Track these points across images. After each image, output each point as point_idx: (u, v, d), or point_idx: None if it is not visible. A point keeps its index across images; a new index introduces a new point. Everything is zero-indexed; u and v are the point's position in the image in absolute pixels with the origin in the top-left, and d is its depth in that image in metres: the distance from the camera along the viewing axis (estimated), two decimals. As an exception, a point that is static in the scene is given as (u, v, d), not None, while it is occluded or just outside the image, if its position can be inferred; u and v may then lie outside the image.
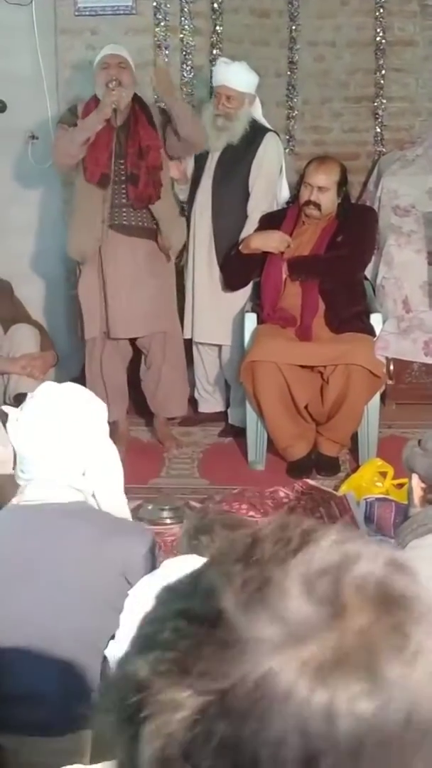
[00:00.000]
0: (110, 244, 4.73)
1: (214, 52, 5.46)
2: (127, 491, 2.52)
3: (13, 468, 2.41)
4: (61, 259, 5.25)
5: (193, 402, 5.30)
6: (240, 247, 4.89)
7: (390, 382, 5.05)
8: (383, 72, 5.83)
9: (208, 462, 4.88)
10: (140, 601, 1.78)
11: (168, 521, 3.99)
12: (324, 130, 5.95)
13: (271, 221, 4.92)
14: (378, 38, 5.79)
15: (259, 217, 4.95)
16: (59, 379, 4.90)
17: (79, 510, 2.26)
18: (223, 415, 5.25)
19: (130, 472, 2.46)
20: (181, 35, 5.38)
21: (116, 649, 1.77)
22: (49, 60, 5.32)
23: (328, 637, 0.60)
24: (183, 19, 5.36)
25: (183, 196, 5.08)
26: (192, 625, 0.63)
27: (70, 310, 5.38)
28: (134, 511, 3.40)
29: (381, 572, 0.64)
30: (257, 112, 5.03)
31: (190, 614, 0.63)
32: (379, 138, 5.90)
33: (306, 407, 4.64)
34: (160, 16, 5.33)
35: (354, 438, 4.76)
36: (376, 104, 5.87)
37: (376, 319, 4.81)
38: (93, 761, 0.99)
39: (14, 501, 2.35)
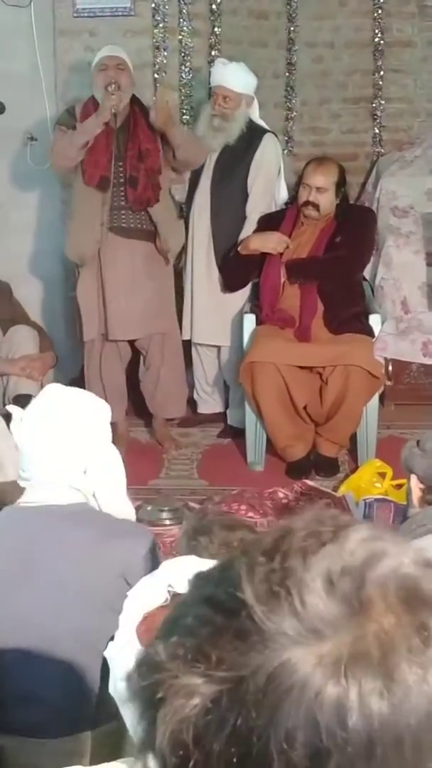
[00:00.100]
0: (109, 246, 4.74)
1: (213, 53, 5.46)
2: (126, 492, 2.53)
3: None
4: (59, 261, 5.25)
5: (192, 403, 5.30)
6: (239, 248, 4.89)
7: (389, 382, 5.05)
8: (382, 73, 5.84)
9: (207, 463, 4.88)
10: (139, 602, 1.78)
11: (167, 522, 4.00)
12: (322, 131, 5.95)
13: (269, 222, 4.92)
14: (376, 39, 5.79)
15: (258, 218, 4.96)
16: (58, 380, 4.92)
17: (79, 511, 2.26)
18: (222, 416, 5.26)
19: (129, 473, 2.45)
20: (180, 36, 5.38)
21: (115, 651, 1.77)
22: (47, 61, 5.32)
23: (347, 634, 0.60)
24: (181, 20, 5.37)
25: (179, 197, 5.08)
26: (214, 612, 0.63)
27: (68, 311, 5.39)
28: (133, 512, 3.40)
29: (407, 572, 0.63)
30: (255, 114, 5.03)
31: (214, 602, 0.64)
32: (377, 139, 5.90)
33: (305, 408, 4.64)
34: (158, 18, 5.34)
35: (353, 439, 4.76)
36: (374, 105, 5.88)
37: (374, 320, 4.81)
38: (92, 762, 0.99)
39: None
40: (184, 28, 5.38)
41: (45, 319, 5.43)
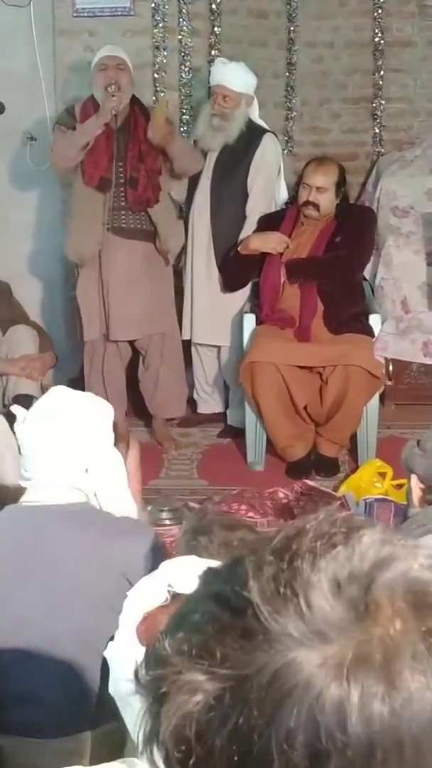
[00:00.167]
0: (109, 246, 4.74)
1: (213, 53, 5.46)
2: (128, 490, 2.52)
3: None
4: (59, 261, 5.25)
5: (192, 403, 5.30)
6: (239, 248, 4.89)
7: (389, 382, 5.05)
8: (382, 73, 5.83)
9: (207, 463, 4.88)
10: (139, 602, 1.77)
11: (167, 522, 3.99)
12: (322, 131, 5.95)
13: (269, 222, 4.92)
14: (376, 39, 5.79)
15: (258, 218, 4.95)
16: (58, 380, 4.93)
17: (79, 511, 2.26)
18: (222, 416, 5.25)
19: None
20: (180, 36, 5.38)
21: (115, 651, 1.77)
22: (47, 61, 5.31)
23: (352, 638, 0.60)
24: (181, 20, 5.36)
25: (178, 197, 5.07)
26: (221, 610, 0.63)
27: (68, 311, 5.39)
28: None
29: (416, 576, 0.63)
30: (255, 113, 5.03)
31: (221, 599, 0.64)
32: (377, 139, 5.90)
33: (305, 408, 4.64)
34: (158, 17, 5.33)
35: (353, 439, 4.76)
36: (374, 105, 5.87)
37: (375, 320, 4.81)
38: (92, 762, 0.99)
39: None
40: (184, 27, 5.38)
41: (45, 319, 5.42)
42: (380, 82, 5.84)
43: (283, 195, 5.16)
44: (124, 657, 1.68)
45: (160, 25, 5.35)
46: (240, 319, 4.91)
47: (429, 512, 2.25)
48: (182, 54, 5.41)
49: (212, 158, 4.98)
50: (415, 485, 2.33)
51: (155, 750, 0.64)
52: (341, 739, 0.58)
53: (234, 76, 4.84)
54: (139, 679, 0.66)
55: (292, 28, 5.77)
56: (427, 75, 5.89)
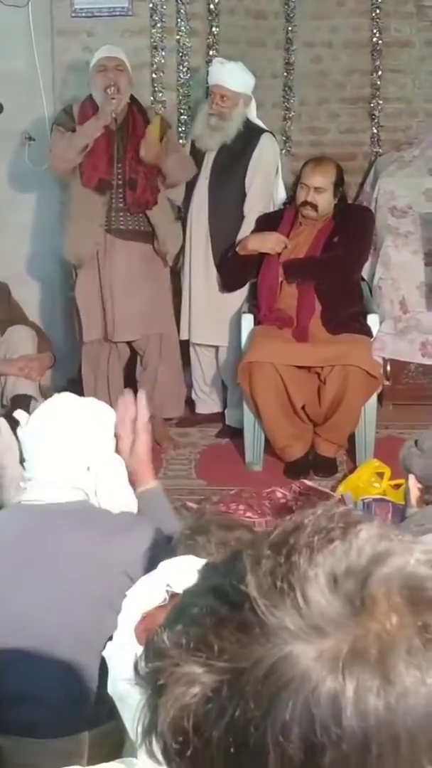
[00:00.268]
0: (107, 247, 4.74)
1: (211, 53, 5.46)
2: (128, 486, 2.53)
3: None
4: (58, 261, 5.25)
5: (190, 403, 5.30)
6: (237, 249, 4.89)
7: (387, 382, 5.05)
8: (380, 73, 5.84)
9: (205, 463, 4.88)
10: (138, 602, 1.78)
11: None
12: (320, 131, 5.95)
13: (268, 222, 4.92)
14: (374, 39, 5.80)
15: (256, 218, 4.96)
16: (56, 381, 4.94)
17: (78, 509, 2.27)
18: (220, 416, 5.26)
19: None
20: (178, 36, 5.38)
21: (114, 651, 1.77)
22: (45, 61, 5.31)
23: (348, 632, 0.60)
24: (179, 20, 5.36)
25: (176, 197, 5.06)
26: (219, 603, 0.64)
27: (66, 311, 5.39)
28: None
29: (413, 571, 0.63)
30: (252, 113, 5.03)
31: (219, 592, 0.65)
32: (375, 139, 5.91)
33: (303, 408, 4.64)
34: (156, 18, 5.33)
35: (351, 439, 4.76)
36: (372, 105, 5.88)
37: (373, 320, 4.82)
38: (90, 762, 0.99)
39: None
40: (182, 28, 5.37)
41: (43, 319, 5.42)
42: (378, 83, 5.85)
43: (281, 195, 5.16)
44: (123, 657, 1.68)
45: (158, 25, 5.34)
46: (238, 319, 4.91)
47: (427, 512, 2.25)
48: (180, 54, 5.41)
49: (210, 158, 4.99)
50: (413, 485, 2.33)
51: (153, 742, 0.64)
52: (336, 732, 0.58)
53: (232, 76, 4.84)
54: (138, 672, 0.66)
55: (290, 28, 5.77)
56: (425, 75, 5.89)
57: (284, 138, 5.81)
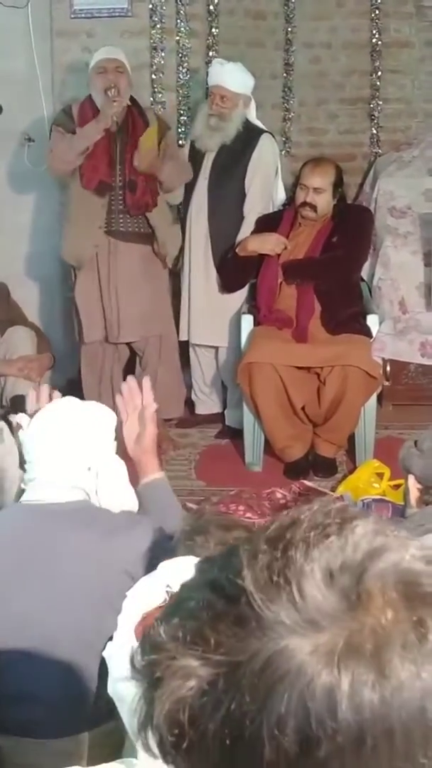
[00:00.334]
0: (106, 249, 4.75)
1: (210, 54, 5.46)
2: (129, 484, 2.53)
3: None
4: (57, 262, 5.25)
5: (190, 404, 5.30)
6: (237, 250, 4.89)
7: (386, 383, 5.05)
8: (379, 73, 5.84)
9: (204, 463, 4.88)
10: (137, 602, 1.78)
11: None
12: (320, 131, 5.95)
13: (267, 223, 4.92)
14: (374, 40, 5.80)
15: (256, 219, 4.96)
16: (56, 382, 4.93)
17: (79, 509, 2.27)
18: (220, 417, 5.26)
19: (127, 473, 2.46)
20: (177, 37, 5.38)
21: (114, 651, 1.77)
22: (44, 62, 5.32)
23: (344, 626, 0.61)
24: (179, 21, 5.36)
25: (174, 199, 5.06)
26: (215, 597, 0.64)
27: (66, 312, 5.39)
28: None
29: (408, 567, 0.64)
30: (252, 114, 5.03)
31: (216, 586, 0.65)
32: (375, 139, 5.91)
33: (303, 408, 4.64)
34: (156, 18, 5.33)
35: (351, 439, 4.76)
36: (372, 106, 5.88)
37: (372, 321, 4.82)
38: (90, 763, 0.99)
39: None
40: (182, 28, 5.38)
41: (42, 320, 5.43)
42: (378, 83, 5.85)
43: (280, 195, 5.16)
44: (123, 657, 1.68)
45: (158, 26, 5.35)
46: (238, 320, 4.91)
47: (426, 512, 2.25)
48: (180, 55, 5.41)
49: (210, 159, 4.99)
50: (413, 485, 2.33)
51: (149, 735, 0.65)
52: (331, 725, 0.59)
53: (232, 77, 4.85)
54: (134, 665, 0.67)
55: (289, 29, 5.77)
56: (424, 76, 5.89)
57: (284, 139, 5.81)
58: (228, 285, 5.02)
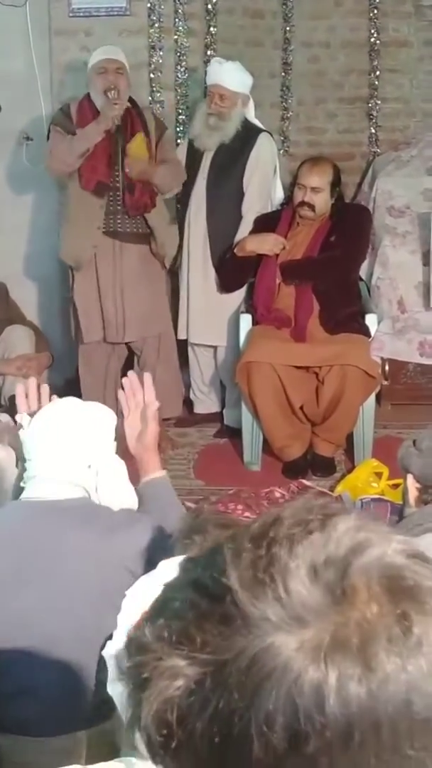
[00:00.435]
0: (105, 250, 4.75)
1: (209, 53, 5.46)
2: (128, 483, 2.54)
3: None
4: (55, 261, 5.24)
5: (188, 403, 5.30)
6: (235, 250, 4.89)
7: (385, 382, 5.05)
8: (378, 73, 5.84)
9: (203, 463, 4.88)
10: (137, 601, 1.77)
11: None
12: (318, 131, 5.95)
13: (265, 223, 4.92)
14: (372, 39, 5.80)
15: (254, 219, 4.95)
16: (54, 381, 4.92)
17: (79, 506, 2.27)
18: (218, 416, 5.26)
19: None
20: (176, 36, 5.38)
21: (113, 650, 1.77)
22: (43, 61, 5.31)
23: (329, 621, 0.61)
24: (177, 20, 5.36)
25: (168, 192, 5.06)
26: (200, 596, 0.65)
27: (64, 311, 5.38)
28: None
29: (391, 561, 0.64)
30: (250, 113, 5.03)
31: (200, 586, 0.65)
32: (373, 139, 5.91)
33: (301, 408, 4.64)
34: (154, 17, 5.33)
35: (349, 438, 4.76)
36: (370, 105, 5.88)
37: (371, 320, 4.82)
38: (89, 762, 0.99)
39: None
40: (180, 27, 5.37)
41: (41, 319, 5.43)
42: (376, 82, 5.85)
43: (279, 195, 5.16)
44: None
45: (156, 25, 5.34)
46: (236, 319, 4.91)
47: (425, 511, 2.25)
48: (178, 54, 5.41)
49: (208, 158, 4.99)
50: (411, 485, 2.33)
51: (137, 736, 0.65)
52: (320, 720, 0.59)
53: (230, 76, 4.84)
54: (121, 667, 0.67)
55: (287, 28, 5.77)
56: (423, 75, 5.90)
57: (282, 138, 5.81)
58: (226, 285, 5.02)
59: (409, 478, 2.34)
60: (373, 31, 5.79)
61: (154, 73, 5.40)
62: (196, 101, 5.30)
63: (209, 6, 5.44)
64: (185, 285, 5.12)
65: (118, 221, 4.75)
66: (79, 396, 3.50)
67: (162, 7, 5.32)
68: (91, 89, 4.72)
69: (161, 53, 5.39)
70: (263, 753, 0.60)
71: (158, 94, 5.41)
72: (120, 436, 2.47)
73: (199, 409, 5.32)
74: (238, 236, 4.94)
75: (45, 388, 2.50)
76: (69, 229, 4.85)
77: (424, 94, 5.91)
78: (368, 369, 4.56)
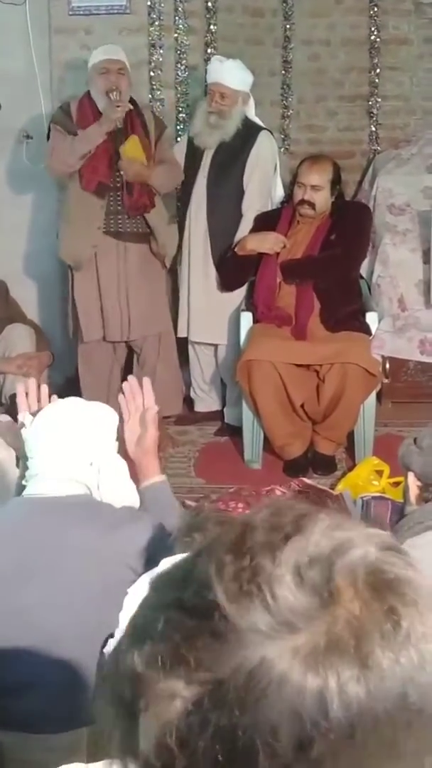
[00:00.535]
0: (105, 249, 4.75)
1: (209, 51, 5.45)
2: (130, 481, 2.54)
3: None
4: (55, 259, 5.24)
5: (189, 401, 5.30)
6: (236, 249, 4.89)
7: (386, 380, 5.05)
8: (378, 70, 5.84)
9: (204, 461, 4.88)
10: (138, 600, 1.78)
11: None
12: (319, 128, 5.95)
13: (266, 222, 4.92)
14: (372, 37, 5.80)
15: (254, 217, 4.95)
16: (54, 379, 4.93)
17: (81, 503, 2.28)
18: (219, 414, 5.26)
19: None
20: (176, 34, 5.38)
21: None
22: (43, 59, 5.31)
23: (320, 624, 0.61)
24: (177, 18, 5.36)
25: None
26: (186, 616, 0.63)
27: (64, 310, 5.38)
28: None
29: (373, 557, 0.65)
30: (251, 111, 5.03)
31: (184, 605, 0.64)
32: (374, 137, 5.91)
33: (302, 406, 4.64)
34: (154, 16, 5.33)
35: (350, 436, 4.76)
36: (370, 103, 5.88)
37: (371, 318, 4.82)
38: (89, 759, 0.99)
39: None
40: (180, 25, 5.37)
41: (41, 317, 5.43)
42: (376, 80, 5.85)
43: (279, 193, 5.16)
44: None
45: (156, 23, 5.34)
46: (237, 317, 4.91)
47: (426, 509, 2.25)
48: (178, 52, 5.40)
49: (208, 156, 4.98)
50: (412, 483, 2.33)
51: (130, 764, 0.64)
52: (324, 725, 0.59)
53: (231, 74, 4.84)
54: (108, 694, 0.65)
55: (288, 26, 5.77)
56: (423, 73, 5.89)
57: (282, 136, 5.81)
58: (227, 284, 5.02)
59: (410, 476, 2.34)
60: (373, 28, 5.79)
61: (154, 72, 5.40)
62: (197, 99, 5.30)
63: (209, 4, 5.44)
64: (186, 283, 5.12)
65: (119, 221, 4.75)
66: (79, 395, 3.52)
67: (162, 5, 5.32)
68: (92, 88, 4.72)
69: (161, 51, 5.38)
70: (269, 763, 0.60)
71: (158, 93, 5.41)
72: (120, 440, 2.47)
73: (199, 407, 5.32)
74: (239, 234, 4.94)
75: (45, 388, 2.50)
76: (68, 229, 4.85)
77: (425, 91, 5.90)
78: (369, 367, 4.56)
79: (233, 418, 5.06)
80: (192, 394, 5.31)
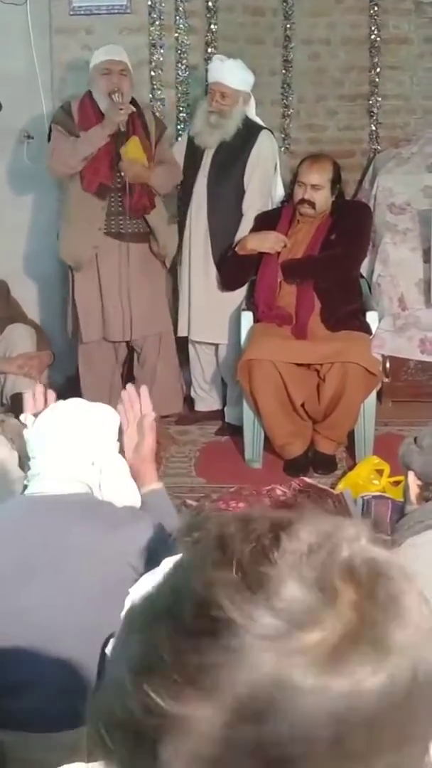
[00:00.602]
0: (105, 250, 4.75)
1: (209, 50, 5.45)
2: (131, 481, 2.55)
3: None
4: (56, 259, 5.24)
5: (189, 401, 5.31)
6: (236, 248, 4.89)
7: (386, 379, 5.05)
8: (378, 70, 5.84)
9: (204, 460, 4.88)
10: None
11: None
12: (319, 128, 5.95)
13: (266, 221, 4.92)
14: (373, 36, 5.80)
15: (255, 217, 4.95)
16: (55, 379, 4.94)
17: (82, 502, 2.28)
18: (219, 414, 5.26)
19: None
20: (176, 34, 5.38)
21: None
22: (44, 59, 5.31)
23: (329, 620, 0.61)
24: (178, 17, 5.36)
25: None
26: (191, 641, 0.62)
27: (65, 310, 5.39)
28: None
29: (364, 547, 0.66)
30: (251, 111, 5.03)
31: (186, 631, 0.63)
32: (374, 136, 5.91)
33: (302, 405, 4.64)
34: (155, 15, 5.33)
35: (350, 436, 4.76)
36: (371, 102, 5.88)
37: (372, 317, 4.82)
38: (92, 759, 0.99)
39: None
40: (181, 25, 5.37)
41: (42, 317, 5.43)
42: (377, 79, 5.85)
43: (279, 192, 5.16)
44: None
45: (157, 23, 5.34)
46: (238, 317, 4.91)
47: (426, 509, 2.25)
48: (179, 51, 5.41)
49: (209, 156, 4.98)
50: (413, 482, 2.33)
51: None
52: (353, 720, 0.60)
53: (232, 74, 4.84)
54: (126, 729, 0.63)
55: (288, 26, 5.77)
56: (423, 72, 5.90)
57: (283, 135, 5.81)
58: (228, 283, 5.02)
59: (410, 475, 2.34)
60: (373, 28, 5.79)
61: (154, 71, 5.40)
62: (197, 99, 5.30)
63: (210, 3, 5.44)
64: (186, 283, 5.12)
65: (120, 222, 4.75)
66: (80, 395, 3.52)
67: (162, 4, 5.32)
68: (94, 89, 4.72)
69: (162, 51, 5.39)
70: (307, 762, 0.60)
71: (159, 92, 5.41)
72: (121, 444, 2.49)
73: (200, 406, 5.32)
74: (239, 234, 4.94)
75: (51, 394, 2.52)
76: (69, 230, 4.85)
77: (425, 91, 5.91)
78: (369, 366, 4.57)
79: (234, 418, 5.06)
80: (192, 394, 5.31)
